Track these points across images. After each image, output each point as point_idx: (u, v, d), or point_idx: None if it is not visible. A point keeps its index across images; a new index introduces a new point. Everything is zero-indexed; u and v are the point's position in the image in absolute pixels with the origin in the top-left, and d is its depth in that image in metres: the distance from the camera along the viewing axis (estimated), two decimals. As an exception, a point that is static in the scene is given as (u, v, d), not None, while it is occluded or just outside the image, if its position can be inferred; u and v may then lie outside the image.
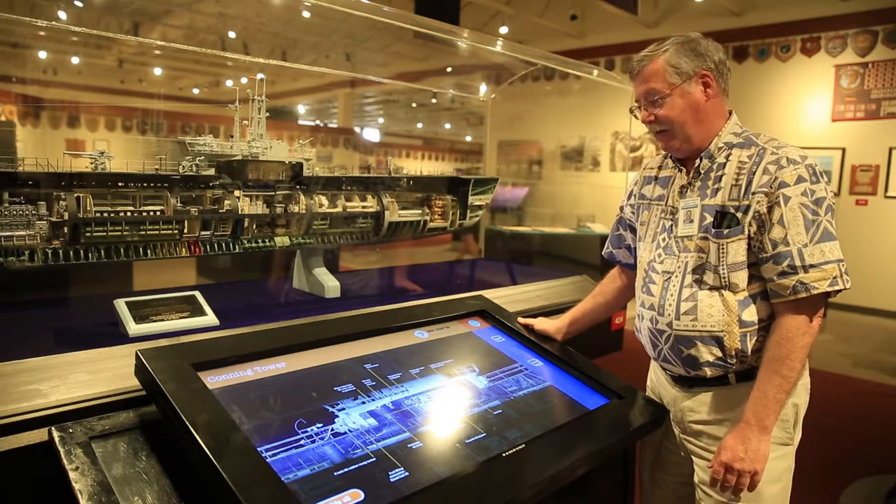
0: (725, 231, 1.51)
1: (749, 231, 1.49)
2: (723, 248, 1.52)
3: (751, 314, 1.51)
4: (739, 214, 1.50)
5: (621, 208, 1.92)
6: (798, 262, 1.42)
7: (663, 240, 1.66)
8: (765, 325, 1.51)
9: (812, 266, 1.42)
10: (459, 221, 2.89)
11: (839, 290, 1.44)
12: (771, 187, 1.46)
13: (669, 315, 1.59)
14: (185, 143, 2.17)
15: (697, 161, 1.60)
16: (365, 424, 1.36)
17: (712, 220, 1.53)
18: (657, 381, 1.78)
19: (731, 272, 1.51)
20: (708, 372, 1.57)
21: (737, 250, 1.50)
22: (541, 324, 2.00)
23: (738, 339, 1.51)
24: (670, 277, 1.61)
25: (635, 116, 1.67)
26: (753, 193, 1.48)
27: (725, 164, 1.55)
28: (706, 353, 1.55)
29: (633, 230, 1.85)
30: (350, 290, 2.55)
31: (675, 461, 1.75)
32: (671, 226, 1.64)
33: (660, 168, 1.76)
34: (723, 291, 1.52)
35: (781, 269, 1.44)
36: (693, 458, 1.66)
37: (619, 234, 1.92)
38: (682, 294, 1.57)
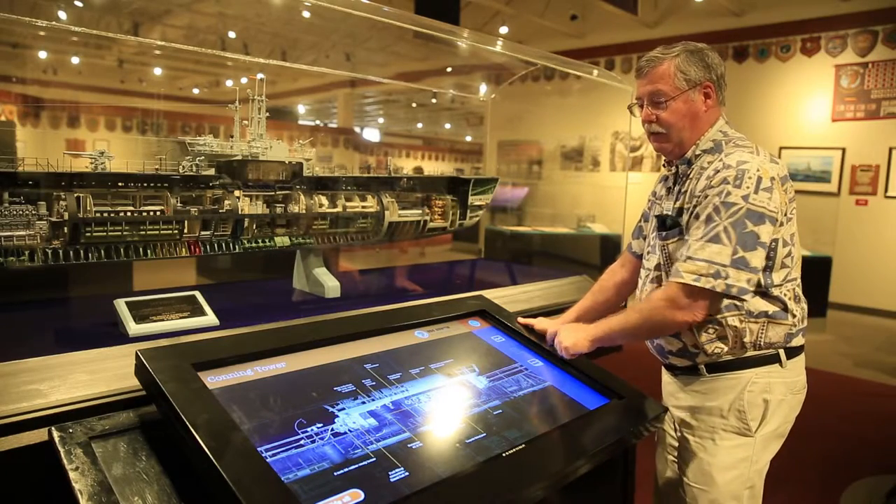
0: (664, 233, 1.66)
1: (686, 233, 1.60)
2: (665, 249, 1.67)
3: None
4: (676, 217, 1.63)
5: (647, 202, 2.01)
6: (686, 252, 1.53)
7: (653, 238, 1.77)
8: (713, 319, 1.58)
9: (690, 258, 1.51)
10: (459, 221, 2.90)
11: (715, 292, 1.47)
12: (704, 190, 1.55)
13: None
14: (185, 143, 2.18)
15: (674, 168, 1.72)
16: (365, 424, 1.36)
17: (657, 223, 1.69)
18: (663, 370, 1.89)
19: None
20: (676, 361, 1.71)
21: (676, 249, 1.63)
22: (541, 324, 2.00)
23: (687, 330, 1.62)
24: (648, 274, 1.77)
25: (633, 114, 1.74)
26: (695, 196, 1.58)
27: (695, 169, 1.65)
28: (667, 344, 1.71)
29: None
30: (350, 290, 2.55)
31: (668, 441, 1.84)
32: (657, 225, 1.75)
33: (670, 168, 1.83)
34: None
35: (680, 256, 1.56)
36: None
37: (640, 225, 2.00)
38: (648, 289, 1.75)
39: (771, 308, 1.58)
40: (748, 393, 1.60)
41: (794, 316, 1.61)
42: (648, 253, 1.79)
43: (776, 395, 1.62)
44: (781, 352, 1.62)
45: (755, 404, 1.61)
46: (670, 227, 1.65)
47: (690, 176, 1.64)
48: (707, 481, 1.63)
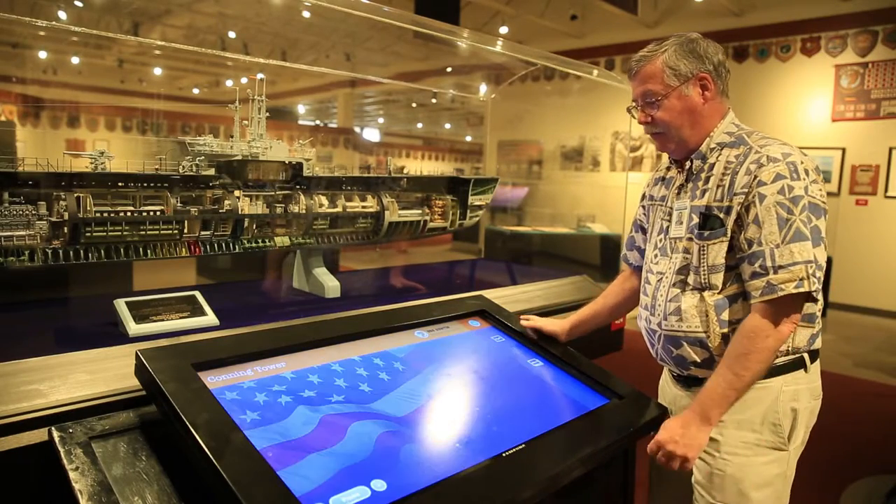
0: (707, 233, 1.52)
1: (731, 232, 1.49)
2: (703, 250, 1.52)
3: (731, 314, 1.50)
4: (722, 216, 1.49)
5: (637, 210, 1.92)
6: (769, 263, 1.41)
7: (660, 241, 1.67)
8: None
9: (781, 267, 1.40)
10: (459, 221, 2.90)
11: (809, 294, 1.40)
12: (750, 187, 1.44)
13: (659, 315, 1.61)
14: (185, 143, 2.18)
15: (689, 162, 1.61)
16: (365, 424, 1.36)
17: (697, 221, 1.54)
18: (664, 380, 1.80)
19: (711, 273, 1.52)
20: (697, 372, 1.58)
21: (717, 252, 1.50)
22: (548, 325, 1.97)
23: (719, 340, 1.51)
24: (662, 278, 1.63)
25: (633, 116, 1.66)
26: (735, 194, 1.47)
27: (715, 164, 1.55)
28: (692, 354, 1.56)
29: (644, 231, 1.86)
30: (350, 290, 2.55)
31: None
32: (667, 227, 1.65)
33: (668, 169, 1.76)
34: (704, 293, 1.53)
35: (753, 270, 1.44)
36: None
37: (632, 235, 1.93)
38: (668, 294, 1.59)
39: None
40: (781, 403, 1.51)
41: (816, 317, 1.54)
42: (657, 256, 1.67)
43: (803, 403, 1.55)
44: (806, 356, 1.55)
45: (786, 414, 1.52)
46: (715, 226, 1.51)
47: (713, 172, 1.54)
48: (741, 501, 1.52)
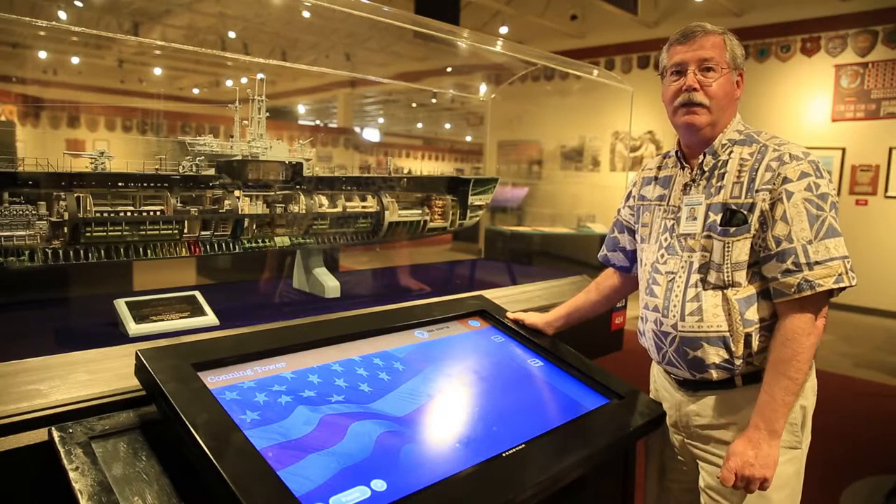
0: (732, 230, 1.49)
1: (753, 229, 1.47)
2: (728, 247, 1.49)
3: (753, 313, 1.48)
4: (745, 212, 1.48)
5: (619, 211, 1.90)
6: (803, 259, 1.40)
7: (665, 240, 1.63)
8: (767, 325, 1.49)
9: (817, 263, 1.39)
10: (459, 221, 2.90)
11: (843, 288, 1.41)
12: (774, 184, 1.44)
13: (674, 316, 1.56)
14: (185, 143, 2.18)
15: (701, 157, 1.59)
16: (364, 424, 1.36)
17: (718, 217, 1.51)
18: (660, 386, 1.75)
19: (735, 271, 1.49)
20: (714, 374, 1.53)
21: (741, 249, 1.48)
22: (530, 318, 2.00)
23: (742, 339, 1.49)
24: (674, 278, 1.58)
25: (664, 80, 1.61)
26: (757, 191, 1.46)
27: (727, 161, 1.54)
28: (713, 355, 1.51)
29: (631, 232, 1.84)
30: (350, 290, 2.55)
31: (678, 468, 1.72)
32: (673, 225, 1.61)
33: (659, 168, 1.75)
34: (726, 291, 1.50)
35: (786, 267, 1.42)
36: (699, 462, 1.64)
37: (615, 236, 1.91)
38: (686, 294, 1.55)
39: None
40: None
41: None
42: (665, 255, 1.62)
43: (809, 400, 1.55)
44: None
45: (798, 412, 1.51)
46: (739, 222, 1.48)
47: (727, 168, 1.53)
48: (759, 503, 1.50)
